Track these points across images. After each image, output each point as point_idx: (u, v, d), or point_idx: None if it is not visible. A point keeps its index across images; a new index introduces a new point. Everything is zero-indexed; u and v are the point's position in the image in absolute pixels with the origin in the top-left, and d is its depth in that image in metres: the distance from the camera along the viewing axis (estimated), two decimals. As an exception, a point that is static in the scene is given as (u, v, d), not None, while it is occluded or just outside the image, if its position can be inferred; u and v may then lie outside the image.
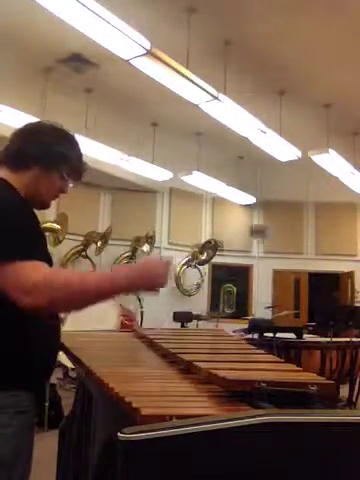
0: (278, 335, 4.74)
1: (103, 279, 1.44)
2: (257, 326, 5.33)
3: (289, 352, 4.70)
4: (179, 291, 9.69)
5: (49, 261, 1.48)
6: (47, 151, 1.52)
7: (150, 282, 1.48)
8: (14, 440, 1.37)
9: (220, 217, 10.34)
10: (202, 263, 9.82)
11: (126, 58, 4.60)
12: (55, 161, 1.54)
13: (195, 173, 8.37)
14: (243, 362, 1.60)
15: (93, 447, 1.68)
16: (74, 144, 1.60)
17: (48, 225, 7.47)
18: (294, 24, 5.39)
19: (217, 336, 2.32)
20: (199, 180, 8.65)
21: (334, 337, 4.80)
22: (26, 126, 1.58)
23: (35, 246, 1.41)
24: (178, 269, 9.68)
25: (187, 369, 1.51)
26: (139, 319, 7.51)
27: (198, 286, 9.94)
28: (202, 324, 8.46)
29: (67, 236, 7.91)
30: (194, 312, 8.46)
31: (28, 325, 1.40)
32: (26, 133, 1.56)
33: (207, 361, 1.53)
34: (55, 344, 1.57)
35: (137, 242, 9.02)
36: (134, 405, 1.11)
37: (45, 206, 1.63)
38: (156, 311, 9.04)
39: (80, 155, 1.62)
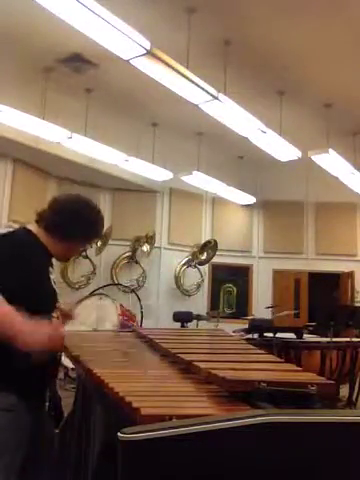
0: (278, 335, 4.74)
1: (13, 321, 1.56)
2: (257, 326, 5.33)
3: (289, 352, 4.70)
4: (179, 291, 9.69)
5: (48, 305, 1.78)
6: (84, 233, 1.89)
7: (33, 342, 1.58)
8: (1, 434, 1.63)
9: (220, 217, 10.33)
10: (202, 263, 9.82)
11: (126, 58, 4.60)
12: (77, 235, 1.88)
13: (195, 173, 8.36)
14: (243, 362, 1.60)
15: (93, 447, 1.68)
16: (98, 216, 1.93)
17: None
18: (294, 24, 5.39)
19: (217, 336, 2.32)
20: (199, 180, 8.65)
21: (334, 337, 4.80)
22: (68, 202, 1.91)
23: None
24: (178, 269, 9.68)
25: (187, 369, 1.51)
26: (139, 319, 7.51)
27: (198, 286, 9.94)
28: (202, 324, 8.45)
29: (67, 236, 7.89)
30: (194, 312, 8.45)
31: None
32: (68, 211, 1.87)
33: (207, 361, 1.53)
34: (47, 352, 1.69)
35: (137, 242, 9.02)
36: (134, 405, 1.11)
37: (64, 260, 2.07)
38: (156, 311, 9.06)
39: (102, 224, 1.96)
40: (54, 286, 1.85)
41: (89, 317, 5.13)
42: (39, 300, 1.69)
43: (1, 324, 1.53)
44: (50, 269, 1.87)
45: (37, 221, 1.87)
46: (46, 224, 1.84)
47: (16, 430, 1.66)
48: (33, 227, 1.86)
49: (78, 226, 1.86)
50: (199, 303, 9.84)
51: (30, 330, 1.55)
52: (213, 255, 9.74)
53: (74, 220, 1.85)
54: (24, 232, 1.86)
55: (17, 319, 1.54)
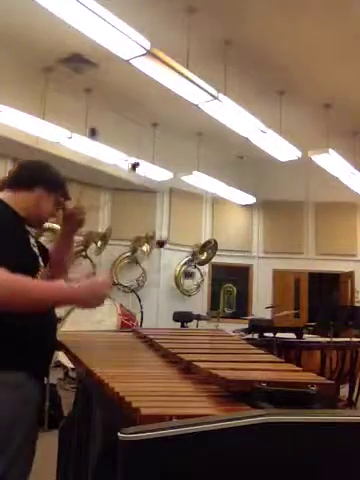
0: (278, 335, 4.74)
1: (49, 287, 1.69)
2: (257, 326, 5.33)
3: (289, 352, 4.70)
4: (179, 291, 9.69)
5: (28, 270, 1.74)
6: (51, 178, 1.94)
7: (92, 299, 1.73)
8: (12, 411, 1.66)
9: (220, 217, 10.34)
10: (202, 263, 9.82)
11: (126, 58, 4.60)
12: (55, 187, 1.94)
13: (195, 173, 8.37)
14: (243, 362, 1.60)
15: (93, 447, 1.68)
16: (60, 174, 2.01)
17: (48, 225, 7.46)
18: (294, 24, 5.39)
19: (217, 336, 2.32)
20: (199, 180, 8.65)
21: (334, 337, 4.80)
22: (32, 160, 2.01)
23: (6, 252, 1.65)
24: (178, 269, 9.68)
25: (187, 369, 1.51)
26: (139, 319, 7.51)
27: (198, 286, 9.94)
28: (202, 324, 8.46)
29: (67, 236, 7.89)
30: (194, 312, 8.46)
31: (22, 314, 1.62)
32: (27, 164, 1.97)
33: (207, 361, 1.53)
34: (49, 329, 1.83)
35: (137, 242, 9.02)
36: (134, 405, 1.11)
37: (41, 224, 2.00)
38: (156, 311, 9.06)
39: (64, 181, 2.02)
40: (34, 249, 1.86)
41: (92, 317, 5.13)
42: (16, 266, 1.65)
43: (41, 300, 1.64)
44: (29, 234, 1.89)
45: (1, 188, 1.90)
46: (8, 182, 1.89)
47: (26, 406, 1.72)
48: (0, 194, 1.89)
49: (37, 173, 1.92)
50: (199, 303, 9.84)
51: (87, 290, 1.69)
52: (213, 255, 9.74)
53: (33, 169, 1.94)
54: None
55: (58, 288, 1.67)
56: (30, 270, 1.80)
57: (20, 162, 1.99)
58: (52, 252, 2.04)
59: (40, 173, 1.93)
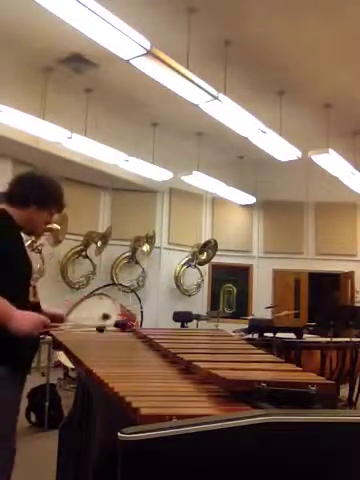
0: (278, 335, 4.74)
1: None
2: (257, 326, 5.34)
3: (289, 352, 4.70)
4: (179, 291, 9.69)
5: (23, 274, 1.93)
6: (42, 196, 2.00)
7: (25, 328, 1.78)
8: None
9: (220, 217, 10.34)
10: (202, 263, 9.82)
11: (126, 58, 4.60)
12: (49, 203, 2.03)
13: (195, 173, 8.37)
14: (243, 362, 1.60)
15: (93, 447, 1.68)
16: (59, 187, 2.10)
17: (48, 225, 7.46)
18: (294, 24, 5.39)
19: (217, 336, 2.32)
20: (199, 180, 8.65)
21: (334, 337, 4.80)
22: (25, 174, 2.08)
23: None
24: (178, 269, 9.68)
25: (187, 369, 1.51)
26: (139, 319, 7.51)
27: (198, 286, 9.94)
28: (202, 324, 8.46)
29: (67, 236, 7.91)
30: (194, 312, 8.46)
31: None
32: (26, 180, 2.04)
33: (207, 361, 1.53)
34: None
35: (137, 242, 9.02)
36: (134, 405, 1.11)
37: (38, 236, 2.26)
38: (156, 311, 9.05)
39: (63, 194, 2.11)
40: (29, 256, 2.02)
41: (95, 316, 5.14)
42: (12, 274, 1.83)
43: None
44: (22, 241, 2.02)
45: (9, 201, 2.00)
46: (18, 199, 1.99)
47: (6, 400, 1.80)
48: (3, 205, 1.99)
49: (28, 191, 1.99)
50: (199, 303, 9.84)
51: (21, 316, 1.75)
52: (213, 255, 9.74)
53: (24, 186, 2.01)
54: None
55: (6, 306, 1.73)
56: (27, 277, 1.96)
57: (15, 177, 2.08)
58: None
59: (30, 191, 1.99)
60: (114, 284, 8.49)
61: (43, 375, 5.22)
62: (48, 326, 1.88)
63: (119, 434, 0.90)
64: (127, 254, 9.14)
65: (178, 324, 8.10)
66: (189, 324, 8.28)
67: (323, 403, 1.17)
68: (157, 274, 9.52)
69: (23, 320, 1.75)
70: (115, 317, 5.15)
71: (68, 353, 1.89)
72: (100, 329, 2.16)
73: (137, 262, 9.20)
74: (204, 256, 9.74)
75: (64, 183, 2.19)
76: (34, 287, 2.04)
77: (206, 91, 5.25)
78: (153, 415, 1.05)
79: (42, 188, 2.01)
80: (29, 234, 2.11)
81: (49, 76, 6.63)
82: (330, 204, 9.99)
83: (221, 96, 5.45)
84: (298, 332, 4.94)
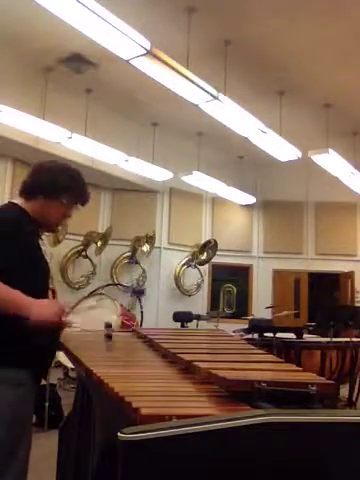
0: (278, 335, 4.74)
1: (11, 291, 1.65)
2: (257, 326, 5.34)
3: (289, 352, 4.70)
4: (179, 291, 9.68)
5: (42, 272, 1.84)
6: (49, 185, 1.87)
7: (45, 314, 1.70)
8: (14, 406, 1.70)
9: (220, 217, 10.33)
10: (202, 263, 9.81)
11: (126, 58, 4.59)
12: (57, 192, 1.89)
13: (195, 173, 8.36)
14: (243, 362, 1.60)
15: (93, 447, 1.68)
16: (75, 176, 1.95)
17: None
18: (294, 24, 5.39)
19: (217, 336, 2.32)
20: (199, 180, 8.65)
21: (334, 337, 4.80)
22: (44, 163, 1.96)
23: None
24: (178, 269, 9.68)
25: (187, 369, 1.51)
26: (139, 319, 7.51)
27: (198, 286, 9.93)
28: (202, 324, 8.46)
29: (67, 236, 7.91)
30: (194, 312, 8.45)
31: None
32: (36, 170, 1.93)
33: (207, 361, 1.53)
34: (54, 329, 1.81)
35: (137, 242, 9.01)
36: (134, 405, 1.11)
37: (51, 228, 2.00)
38: (156, 311, 9.05)
39: (82, 185, 1.96)
40: (46, 257, 1.89)
41: (90, 318, 5.13)
42: (32, 277, 1.75)
43: (6, 301, 1.63)
44: (40, 241, 1.90)
45: (21, 193, 1.90)
46: (26, 190, 1.88)
47: (26, 404, 1.76)
48: (18, 200, 1.90)
49: (36, 182, 1.88)
50: (199, 303, 9.84)
51: (40, 303, 1.68)
52: (213, 255, 9.74)
53: (51, 177, 1.89)
54: (9, 205, 1.91)
55: (22, 295, 1.65)
56: (45, 281, 1.89)
57: (35, 165, 1.96)
58: None
59: (38, 181, 1.89)
60: (114, 284, 8.49)
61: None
62: (65, 314, 1.79)
63: (119, 434, 0.90)
64: (127, 254, 9.14)
65: (178, 324, 8.09)
66: (189, 324, 8.27)
67: (323, 403, 1.17)
68: (157, 274, 9.51)
69: (42, 307, 1.67)
70: (116, 323, 5.15)
71: (68, 353, 1.89)
72: (108, 335, 2.13)
73: (137, 262, 9.20)
74: (204, 256, 9.73)
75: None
76: (53, 291, 2.00)
77: (206, 91, 5.25)
78: (153, 415, 1.05)
79: (49, 177, 1.88)
80: (44, 227, 1.94)
81: (49, 76, 6.63)
82: (330, 204, 9.99)
83: (221, 96, 5.45)
84: (298, 332, 4.93)
